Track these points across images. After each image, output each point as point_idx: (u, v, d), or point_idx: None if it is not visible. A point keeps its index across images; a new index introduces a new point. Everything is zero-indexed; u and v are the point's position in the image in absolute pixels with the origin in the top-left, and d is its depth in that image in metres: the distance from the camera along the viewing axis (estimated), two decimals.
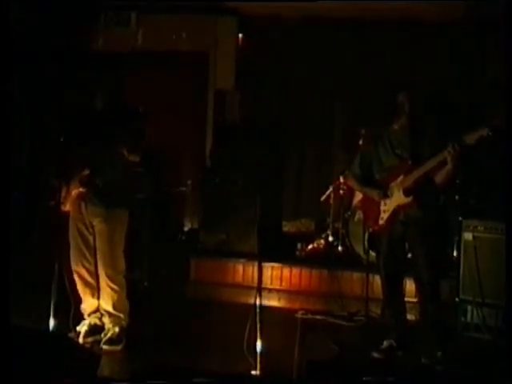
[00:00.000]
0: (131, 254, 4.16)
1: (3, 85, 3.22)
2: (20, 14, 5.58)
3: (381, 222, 3.92)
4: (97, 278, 3.97)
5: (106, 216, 3.87)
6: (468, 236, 4.51)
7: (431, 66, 6.16)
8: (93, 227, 3.92)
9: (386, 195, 3.89)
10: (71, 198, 3.88)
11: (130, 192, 4.10)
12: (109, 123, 3.77)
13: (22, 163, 6.18)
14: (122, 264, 3.98)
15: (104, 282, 3.92)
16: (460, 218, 4.60)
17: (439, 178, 3.74)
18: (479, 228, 4.50)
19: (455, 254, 4.75)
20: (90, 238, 3.94)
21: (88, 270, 3.97)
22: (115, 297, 3.92)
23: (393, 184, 3.86)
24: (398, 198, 3.84)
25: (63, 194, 3.90)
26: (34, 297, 4.35)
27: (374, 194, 3.95)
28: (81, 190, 3.84)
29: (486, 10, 5.62)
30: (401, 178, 3.83)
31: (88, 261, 3.96)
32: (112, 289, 3.91)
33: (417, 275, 3.88)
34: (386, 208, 3.89)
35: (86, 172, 3.82)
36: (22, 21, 5.69)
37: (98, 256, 3.93)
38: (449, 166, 3.62)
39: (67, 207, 3.92)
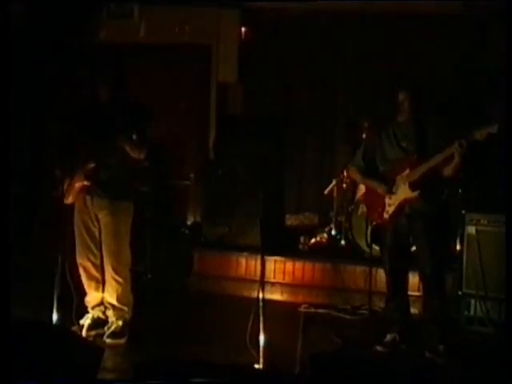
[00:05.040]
0: (135, 247, 4.16)
1: (3, 85, 3.20)
2: (20, 8, 5.56)
3: (385, 215, 3.89)
4: (102, 270, 3.97)
5: (111, 208, 3.87)
6: (471, 229, 4.51)
7: (432, 60, 6.13)
8: (98, 220, 3.92)
9: (390, 189, 3.87)
10: (74, 190, 3.88)
11: (134, 185, 4.10)
12: (114, 116, 3.75)
13: (22, 163, 6.16)
14: (127, 256, 3.99)
15: (109, 274, 3.93)
16: (463, 212, 4.60)
17: (446, 171, 3.72)
18: (482, 221, 4.49)
19: (458, 247, 4.73)
20: (96, 231, 3.94)
21: (93, 263, 3.97)
22: (119, 290, 3.93)
23: (398, 177, 3.84)
24: (404, 191, 3.82)
25: (66, 186, 3.90)
26: (36, 290, 4.35)
27: (379, 187, 3.94)
28: (85, 183, 3.84)
29: (486, 6, 5.59)
30: (407, 171, 3.80)
31: (93, 254, 3.96)
32: (117, 281, 3.92)
33: (420, 269, 3.88)
34: (392, 202, 3.87)
35: (91, 165, 3.81)
36: (23, 15, 5.66)
37: (104, 249, 3.93)
38: (456, 161, 3.60)
39: (70, 200, 3.92)
